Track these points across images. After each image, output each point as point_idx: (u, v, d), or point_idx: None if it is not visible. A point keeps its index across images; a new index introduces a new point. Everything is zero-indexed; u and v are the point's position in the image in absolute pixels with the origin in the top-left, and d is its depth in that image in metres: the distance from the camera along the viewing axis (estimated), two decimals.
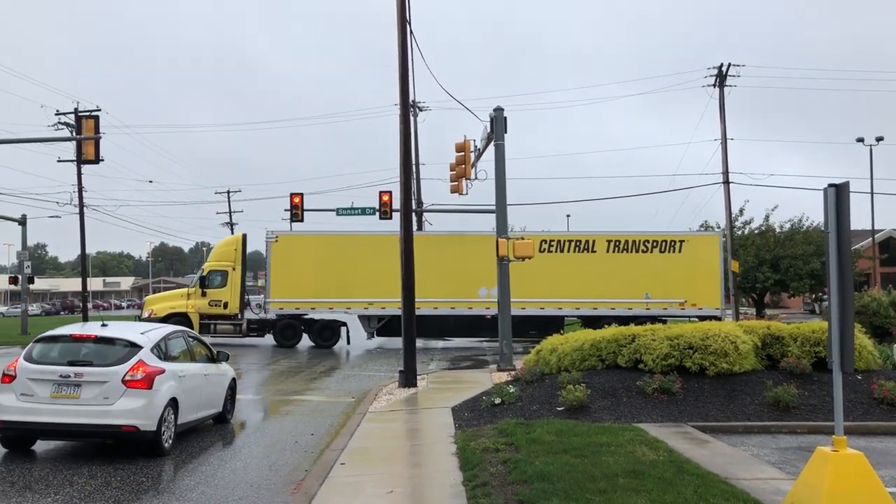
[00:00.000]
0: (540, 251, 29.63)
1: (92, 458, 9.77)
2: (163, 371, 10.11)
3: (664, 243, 30.33)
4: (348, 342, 30.61)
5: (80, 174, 42.40)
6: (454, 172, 21.82)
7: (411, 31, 17.67)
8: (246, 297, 32.43)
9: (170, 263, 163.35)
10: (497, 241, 19.99)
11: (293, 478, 9.00)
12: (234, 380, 13.10)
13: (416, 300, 17.23)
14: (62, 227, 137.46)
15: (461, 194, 22.05)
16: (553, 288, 29.49)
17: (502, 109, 20.36)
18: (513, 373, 17.15)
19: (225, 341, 28.87)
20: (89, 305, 44.46)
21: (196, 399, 11.16)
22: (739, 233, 43.56)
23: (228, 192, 65.35)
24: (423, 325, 29.89)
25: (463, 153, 21.20)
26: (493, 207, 21.15)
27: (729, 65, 37.88)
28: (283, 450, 10.65)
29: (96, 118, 24.82)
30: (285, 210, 36.70)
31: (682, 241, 30.44)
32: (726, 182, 38.19)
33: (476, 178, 21.71)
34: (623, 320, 29.53)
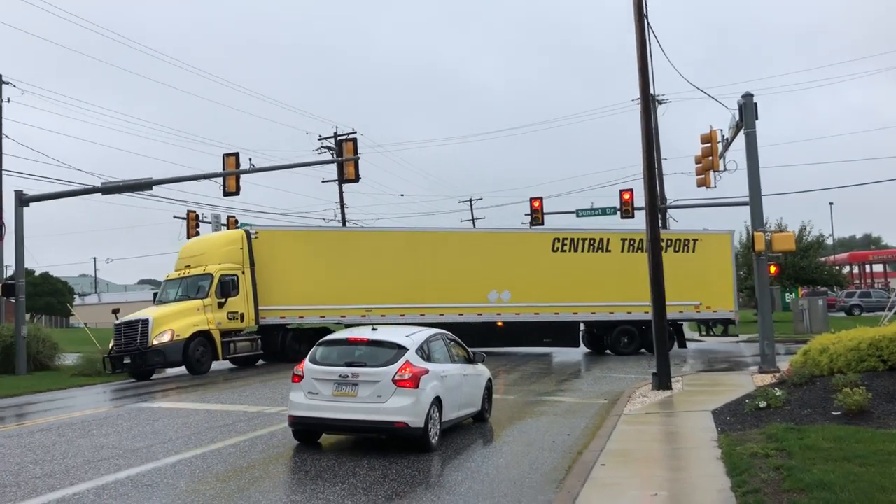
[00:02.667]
0: (553, 251, 27.67)
1: (369, 452, 10.63)
2: (427, 371, 10.77)
3: (678, 242, 27.66)
4: None
5: (341, 192, 46.60)
6: (700, 165, 20.90)
7: (649, 25, 17.30)
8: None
9: None
10: (753, 235, 18.87)
11: (554, 477, 9.16)
12: (489, 380, 13.60)
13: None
14: None
15: (709, 187, 21.03)
16: (567, 291, 27.22)
17: (752, 95, 19.18)
18: (777, 375, 16.08)
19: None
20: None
21: (457, 398, 11.76)
22: None
23: (471, 200, 67.68)
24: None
25: (709, 144, 20.26)
26: (746, 199, 19.97)
27: None
28: (542, 449, 10.88)
29: (354, 140, 27.15)
30: (525, 214, 37.51)
31: (695, 241, 27.78)
32: None
33: (725, 169, 20.60)
34: (640, 325, 26.95)
